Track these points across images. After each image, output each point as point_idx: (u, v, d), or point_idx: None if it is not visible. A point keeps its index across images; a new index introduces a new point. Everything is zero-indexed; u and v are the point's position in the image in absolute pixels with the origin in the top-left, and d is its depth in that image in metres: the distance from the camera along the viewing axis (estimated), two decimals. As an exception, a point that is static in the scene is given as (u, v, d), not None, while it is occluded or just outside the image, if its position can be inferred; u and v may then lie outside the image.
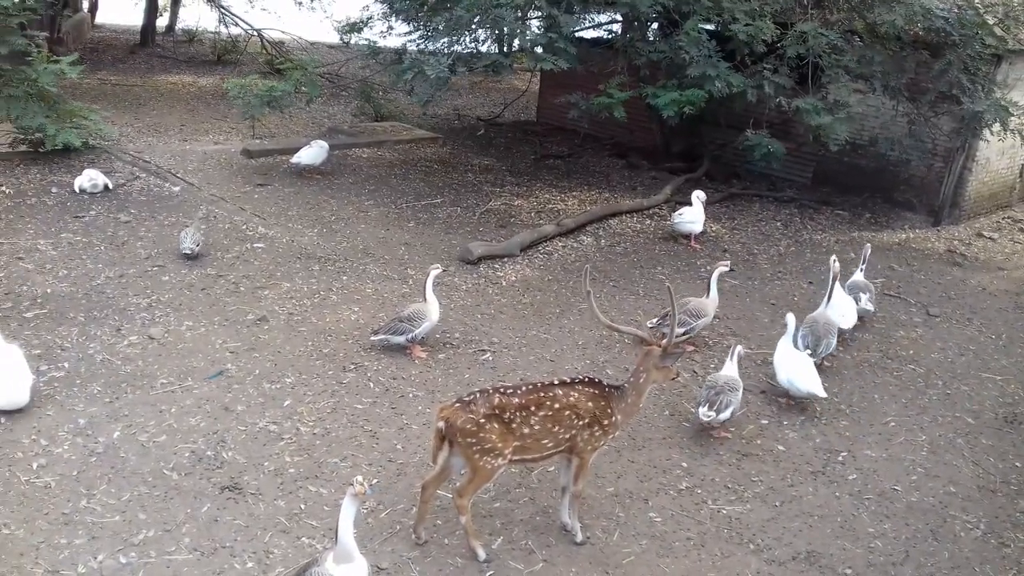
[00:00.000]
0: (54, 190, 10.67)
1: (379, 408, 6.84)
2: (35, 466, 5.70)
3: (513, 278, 9.70)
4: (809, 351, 7.46)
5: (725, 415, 6.60)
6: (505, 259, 10.13)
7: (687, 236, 11.11)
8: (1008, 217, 13.41)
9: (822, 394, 7.06)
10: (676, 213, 11.22)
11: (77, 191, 10.60)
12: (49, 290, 8.17)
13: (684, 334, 7.87)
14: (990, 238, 12.31)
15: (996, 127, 11.14)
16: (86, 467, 5.75)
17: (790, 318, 7.35)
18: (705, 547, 5.59)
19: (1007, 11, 11.27)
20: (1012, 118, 11.02)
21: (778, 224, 12.24)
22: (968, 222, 12.85)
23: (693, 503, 6.02)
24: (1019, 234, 12.70)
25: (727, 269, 8.44)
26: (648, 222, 11.93)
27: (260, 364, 7.29)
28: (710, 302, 8.14)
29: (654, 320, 8.18)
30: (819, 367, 7.49)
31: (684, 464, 6.45)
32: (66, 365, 6.94)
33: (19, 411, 6.19)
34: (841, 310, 8.20)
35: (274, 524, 5.42)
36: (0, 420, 6.11)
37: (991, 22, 11.21)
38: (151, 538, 5.18)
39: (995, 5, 11.51)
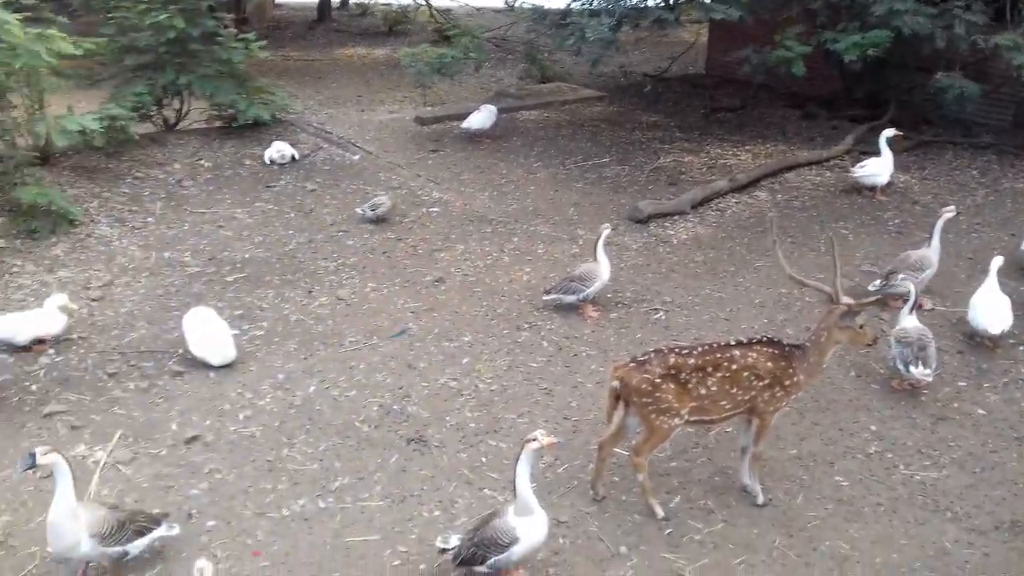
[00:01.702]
0: (247, 162, 11.43)
1: (553, 367, 6.95)
2: (241, 417, 6.20)
3: (684, 236, 9.53)
4: None
5: (932, 367, 6.33)
6: (676, 217, 9.96)
7: (871, 188, 10.49)
8: None
9: (993, 331, 6.81)
10: (858, 164, 10.61)
11: (267, 162, 11.31)
12: (247, 255, 8.80)
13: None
14: None
15: None
16: (286, 419, 6.20)
17: (995, 260, 7.09)
18: (897, 513, 5.34)
19: None
20: None
21: (974, 172, 11.33)
22: None
23: (883, 468, 5.75)
24: None
25: (953, 215, 7.85)
26: (828, 174, 11.36)
27: (439, 323, 7.56)
28: (933, 251, 7.67)
29: (878, 282, 7.76)
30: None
31: (873, 427, 6.17)
32: (265, 324, 7.48)
33: (227, 366, 6.74)
34: None
35: (457, 475, 5.65)
36: (210, 375, 6.67)
37: None
38: (346, 485, 5.53)
39: None
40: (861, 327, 5.22)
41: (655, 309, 7.89)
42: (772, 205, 10.36)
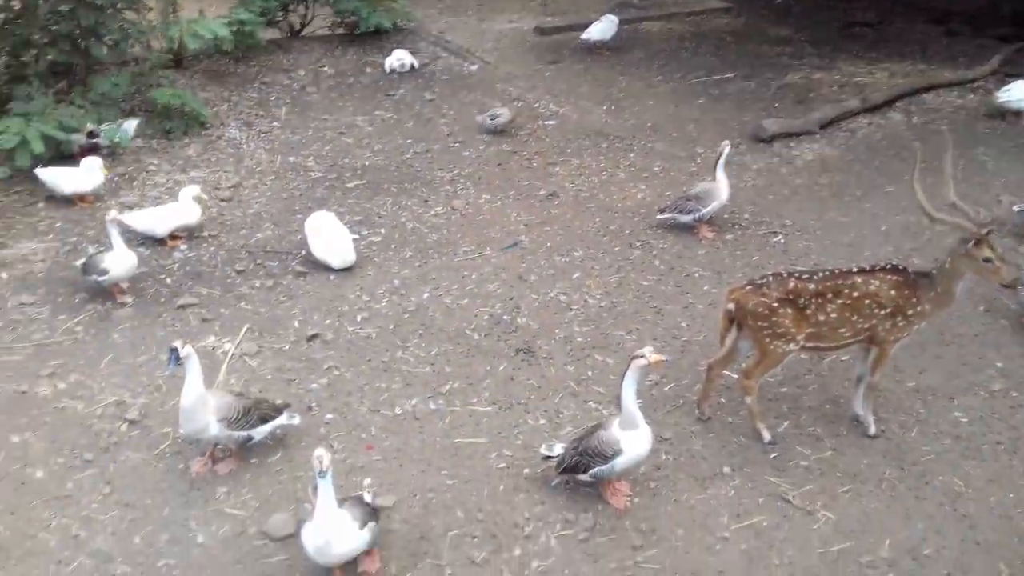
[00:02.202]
0: (368, 70, 11.55)
1: (664, 286, 6.89)
2: (359, 319, 6.43)
3: (810, 157, 9.15)
4: None
5: None
6: (802, 137, 9.56)
7: (1016, 114, 9.77)
8: None
9: None
10: (1003, 88, 9.87)
11: (387, 71, 11.40)
12: (367, 163, 8.98)
13: None
14: None
15: None
16: (401, 322, 6.39)
17: None
18: (1017, 453, 5.14)
19: None
20: None
21: None
22: None
23: (1007, 406, 5.52)
24: None
25: None
26: (970, 96, 10.62)
27: (551, 237, 7.57)
28: None
29: (1021, 205, 7.33)
30: None
31: (999, 364, 5.90)
32: (382, 231, 7.66)
33: (347, 269, 6.97)
34: None
35: (563, 387, 5.73)
36: (330, 277, 6.92)
37: None
38: (456, 389, 5.70)
39: None
40: (988, 260, 4.82)
41: (774, 232, 7.67)
42: (907, 127, 9.81)
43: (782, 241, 7.53)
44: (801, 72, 11.62)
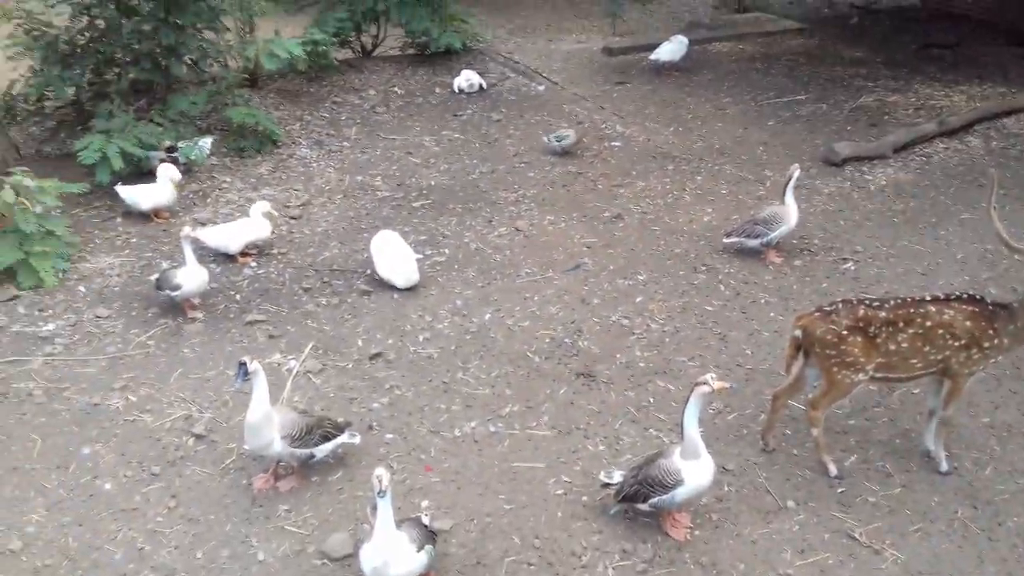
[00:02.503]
0: (437, 90, 11.69)
1: (729, 312, 6.78)
2: (421, 339, 6.47)
3: (883, 182, 8.93)
4: None
5: None
6: (875, 161, 9.34)
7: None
8: None
9: None
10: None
11: (456, 91, 11.52)
12: (432, 183, 9.06)
13: None
14: None
15: None
16: (462, 343, 6.42)
17: None
18: (1100, 497, 4.92)
19: None
20: None
21: None
22: None
23: (1089, 447, 5.29)
24: None
25: None
26: (1055, 121, 10.28)
27: (615, 260, 7.53)
28: None
29: None
30: None
31: (1081, 402, 5.66)
32: (446, 251, 7.71)
33: (410, 289, 7.03)
34: None
35: (624, 413, 5.67)
36: (394, 296, 6.99)
37: None
38: (515, 412, 5.69)
39: None
40: None
41: (844, 259, 7.50)
42: (986, 152, 9.51)
43: (852, 268, 7.35)
44: (875, 94, 11.38)
